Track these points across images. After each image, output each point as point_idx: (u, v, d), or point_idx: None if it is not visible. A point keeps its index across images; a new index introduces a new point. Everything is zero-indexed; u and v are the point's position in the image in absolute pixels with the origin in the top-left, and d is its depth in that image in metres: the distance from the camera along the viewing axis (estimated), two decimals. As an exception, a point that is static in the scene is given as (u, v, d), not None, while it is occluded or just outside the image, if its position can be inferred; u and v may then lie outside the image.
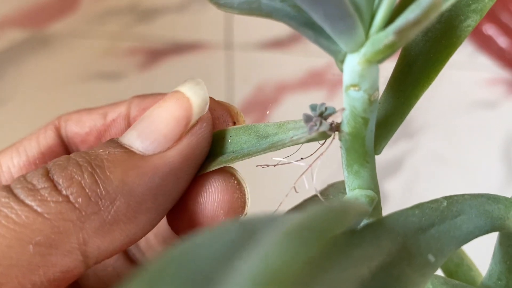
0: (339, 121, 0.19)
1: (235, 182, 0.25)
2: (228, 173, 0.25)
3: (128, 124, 0.29)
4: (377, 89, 0.17)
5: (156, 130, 0.23)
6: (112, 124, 0.29)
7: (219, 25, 1.05)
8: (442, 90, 0.95)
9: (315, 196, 0.22)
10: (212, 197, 0.25)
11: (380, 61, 0.16)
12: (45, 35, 1.03)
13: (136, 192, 0.22)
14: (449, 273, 0.26)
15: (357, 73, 0.17)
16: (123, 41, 1.03)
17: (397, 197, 0.86)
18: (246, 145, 0.23)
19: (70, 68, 0.99)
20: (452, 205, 0.19)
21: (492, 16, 1.03)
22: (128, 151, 0.23)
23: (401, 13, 0.15)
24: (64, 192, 0.21)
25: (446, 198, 0.19)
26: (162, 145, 0.23)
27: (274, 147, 0.21)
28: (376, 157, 0.21)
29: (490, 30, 1.02)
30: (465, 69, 1.00)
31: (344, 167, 0.19)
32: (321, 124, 0.18)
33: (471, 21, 0.19)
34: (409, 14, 0.14)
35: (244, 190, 0.25)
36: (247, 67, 0.98)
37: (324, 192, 0.23)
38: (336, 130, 0.18)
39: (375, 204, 0.20)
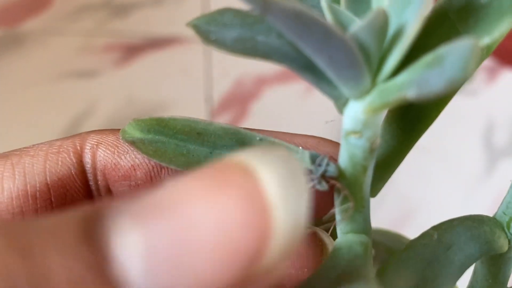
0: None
1: None
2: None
3: None
4: (379, 135, 0.16)
5: (178, 262, 0.11)
6: None
7: (196, 18, 1.03)
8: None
9: None
10: None
11: (387, 108, 0.15)
12: (19, 33, 1.02)
13: None
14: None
15: (360, 121, 0.15)
16: (98, 38, 1.02)
17: (381, 193, 0.85)
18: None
19: (45, 66, 0.98)
20: (443, 236, 0.18)
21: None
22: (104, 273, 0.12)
23: (414, 56, 0.14)
24: None
25: (435, 228, 0.18)
26: None
27: None
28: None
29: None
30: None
31: (338, 211, 0.18)
32: (320, 184, 0.17)
33: (482, 56, 0.18)
34: (432, 78, 0.12)
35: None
36: (226, 60, 0.97)
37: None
38: (332, 188, 0.17)
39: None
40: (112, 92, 0.94)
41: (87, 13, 1.05)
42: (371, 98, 0.15)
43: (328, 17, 0.15)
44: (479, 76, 0.95)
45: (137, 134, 0.20)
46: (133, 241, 0.11)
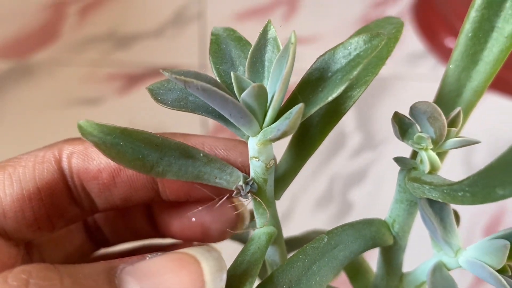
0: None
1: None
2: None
3: None
4: (272, 158, 0.24)
5: None
6: None
7: (194, 49, 1.11)
8: (405, 100, 1.00)
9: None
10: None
11: (272, 142, 0.23)
12: (28, 64, 1.06)
13: None
14: (351, 274, 0.32)
15: (256, 150, 0.23)
16: (102, 68, 1.07)
17: (362, 205, 0.91)
18: (176, 161, 0.24)
19: (52, 95, 1.02)
20: (332, 239, 0.25)
21: (453, 30, 1.09)
22: None
23: (288, 108, 0.22)
24: None
25: (328, 233, 0.25)
26: None
27: (200, 179, 0.25)
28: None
29: (451, 43, 1.07)
30: (428, 81, 1.05)
31: (254, 210, 0.26)
32: (245, 196, 0.25)
33: (347, 105, 0.25)
34: (280, 125, 0.20)
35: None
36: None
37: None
38: (249, 192, 0.25)
39: (276, 235, 0.26)
40: (115, 118, 0.98)
41: (92, 45, 1.10)
42: (260, 136, 0.23)
43: (234, 84, 0.23)
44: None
45: (95, 132, 0.23)
46: None
